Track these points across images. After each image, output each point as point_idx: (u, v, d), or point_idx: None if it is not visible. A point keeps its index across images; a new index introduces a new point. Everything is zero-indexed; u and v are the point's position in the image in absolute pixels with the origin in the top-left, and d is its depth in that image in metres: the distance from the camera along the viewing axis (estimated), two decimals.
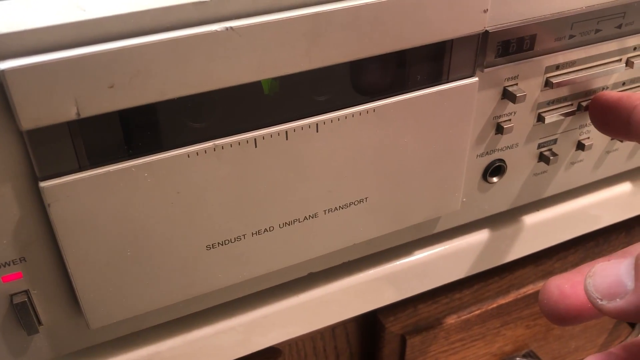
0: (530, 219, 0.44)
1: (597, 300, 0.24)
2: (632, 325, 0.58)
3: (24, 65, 0.23)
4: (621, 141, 0.42)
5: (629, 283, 0.23)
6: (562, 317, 0.28)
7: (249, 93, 0.29)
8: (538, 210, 0.44)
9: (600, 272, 0.24)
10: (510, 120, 0.36)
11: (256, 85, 0.28)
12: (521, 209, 0.43)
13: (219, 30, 0.25)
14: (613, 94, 0.35)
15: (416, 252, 0.40)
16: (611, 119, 0.35)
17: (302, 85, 0.30)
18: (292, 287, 0.38)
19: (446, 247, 0.41)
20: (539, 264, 0.51)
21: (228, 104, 0.28)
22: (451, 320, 0.48)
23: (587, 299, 0.25)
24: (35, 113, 0.24)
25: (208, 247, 0.31)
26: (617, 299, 0.23)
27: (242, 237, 0.31)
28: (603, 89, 0.39)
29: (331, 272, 0.38)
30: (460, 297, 0.48)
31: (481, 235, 0.42)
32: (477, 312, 0.48)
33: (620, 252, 0.29)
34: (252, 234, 0.31)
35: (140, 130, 0.27)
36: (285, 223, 0.32)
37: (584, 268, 0.29)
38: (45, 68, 0.23)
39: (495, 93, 0.35)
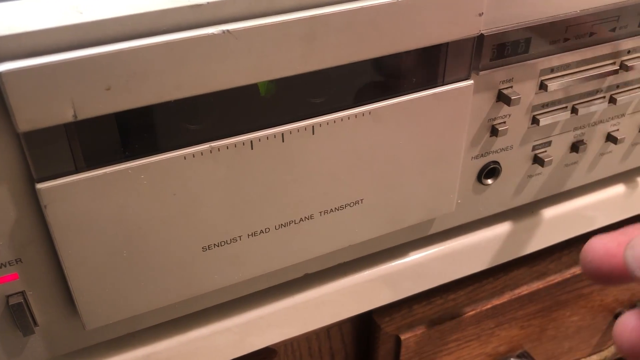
0: (524, 221, 0.44)
1: (637, 269, 0.24)
2: None
3: (21, 67, 0.23)
4: None
5: None
6: (606, 276, 0.27)
7: (245, 95, 0.29)
8: (532, 211, 0.44)
9: None
10: (505, 122, 0.37)
11: (252, 87, 0.29)
12: (516, 210, 0.44)
13: (215, 33, 0.25)
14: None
15: (411, 253, 0.41)
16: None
17: (299, 87, 0.30)
18: (288, 288, 0.38)
19: (441, 248, 0.41)
20: (533, 265, 0.51)
21: (224, 106, 0.29)
22: (446, 321, 0.48)
23: None
24: (32, 115, 0.24)
25: (204, 249, 0.31)
26: None
27: (238, 239, 0.31)
28: (597, 91, 0.39)
29: (327, 273, 0.39)
30: (454, 297, 0.48)
31: (476, 237, 0.42)
32: (471, 312, 0.49)
33: None
34: (248, 235, 0.31)
35: (136, 132, 0.27)
36: (281, 224, 0.32)
37: (629, 229, 0.28)
38: (43, 70, 0.23)
39: (490, 96, 0.35)
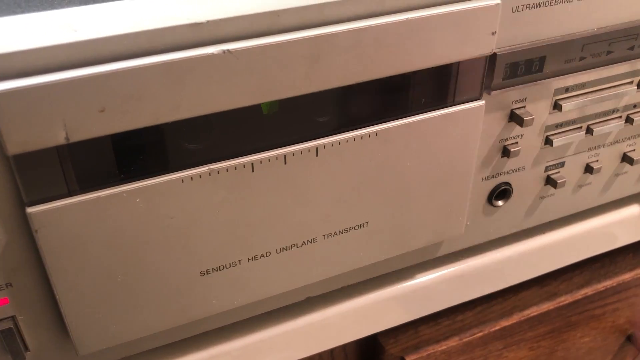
0: (536, 242, 0.43)
1: None
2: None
3: (11, 88, 0.22)
4: None
5: None
6: None
7: (247, 113, 0.28)
8: (544, 232, 0.43)
9: None
10: (517, 143, 0.35)
11: (255, 106, 0.27)
12: (527, 231, 0.42)
13: (215, 52, 0.24)
14: None
15: (418, 276, 0.39)
16: None
17: (303, 105, 0.28)
18: (290, 311, 0.36)
19: (449, 270, 0.40)
20: (544, 285, 0.49)
21: (225, 125, 0.27)
22: (453, 342, 0.46)
23: None
24: (22, 137, 0.23)
25: (202, 273, 0.30)
26: None
27: (238, 263, 0.30)
28: (613, 111, 0.38)
29: (330, 296, 0.37)
30: (462, 318, 0.47)
31: (485, 258, 0.41)
32: (479, 334, 0.47)
33: None
34: (248, 259, 0.30)
35: (132, 153, 0.26)
36: (283, 248, 0.31)
37: None
38: (33, 92, 0.22)
39: (502, 116, 0.34)
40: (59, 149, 0.24)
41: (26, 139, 0.23)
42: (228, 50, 0.24)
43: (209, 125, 0.27)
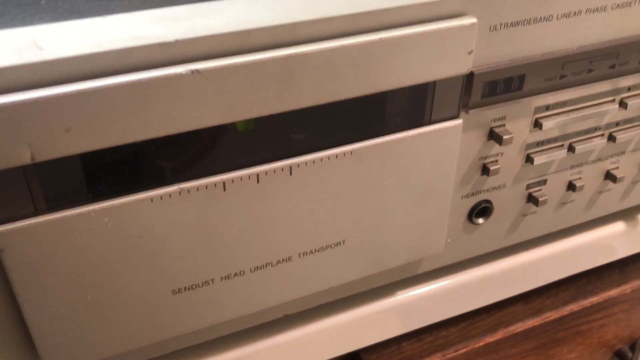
0: (521, 258, 0.42)
1: None
2: None
3: None
4: None
5: None
6: None
7: (221, 131, 0.27)
8: (527, 249, 0.43)
9: None
10: (496, 161, 0.35)
11: (229, 123, 0.27)
12: (511, 247, 0.42)
13: (183, 72, 0.24)
14: None
15: (398, 293, 0.39)
16: None
17: (279, 122, 0.28)
18: (267, 328, 0.36)
19: (430, 287, 0.40)
20: (529, 302, 0.49)
21: (198, 143, 0.27)
22: (436, 358, 0.46)
23: None
24: None
25: (174, 292, 0.29)
26: None
27: (211, 282, 0.30)
28: (595, 129, 0.37)
29: (308, 313, 0.37)
30: (446, 335, 0.46)
31: (467, 276, 0.41)
32: (463, 350, 0.47)
33: None
34: (221, 278, 0.30)
35: (101, 172, 0.26)
36: (257, 267, 0.31)
37: None
38: None
39: (481, 134, 0.34)
40: (25, 168, 0.24)
41: None
42: (197, 70, 0.24)
43: (181, 143, 0.27)
